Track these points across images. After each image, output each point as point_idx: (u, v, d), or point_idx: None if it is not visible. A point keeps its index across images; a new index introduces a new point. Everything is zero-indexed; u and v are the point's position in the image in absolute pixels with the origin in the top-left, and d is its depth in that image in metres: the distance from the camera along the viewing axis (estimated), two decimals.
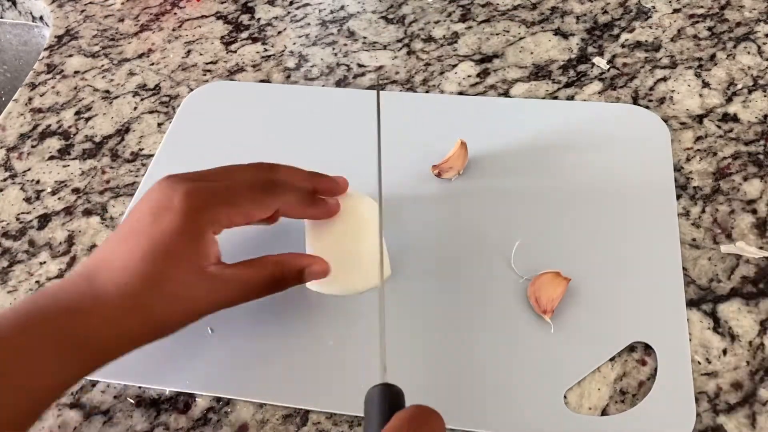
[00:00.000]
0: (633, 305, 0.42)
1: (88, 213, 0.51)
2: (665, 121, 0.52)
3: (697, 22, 0.61)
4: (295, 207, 0.40)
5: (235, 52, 0.62)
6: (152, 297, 0.35)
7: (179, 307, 0.36)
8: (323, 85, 0.58)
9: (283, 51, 0.62)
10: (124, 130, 0.56)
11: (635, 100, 0.54)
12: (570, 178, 0.49)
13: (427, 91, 0.57)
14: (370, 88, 0.57)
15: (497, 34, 0.61)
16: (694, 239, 0.46)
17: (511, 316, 0.42)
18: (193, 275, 0.36)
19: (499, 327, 0.42)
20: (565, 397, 0.39)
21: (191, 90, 0.59)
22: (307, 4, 0.66)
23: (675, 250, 0.45)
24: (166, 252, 0.35)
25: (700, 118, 0.53)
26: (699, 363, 0.40)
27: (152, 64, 0.62)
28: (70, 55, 0.64)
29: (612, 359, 0.40)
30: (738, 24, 0.60)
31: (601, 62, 0.58)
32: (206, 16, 0.66)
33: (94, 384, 0.42)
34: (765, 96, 0.54)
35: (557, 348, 0.41)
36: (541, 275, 0.43)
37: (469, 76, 0.58)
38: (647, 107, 0.54)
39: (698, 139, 0.51)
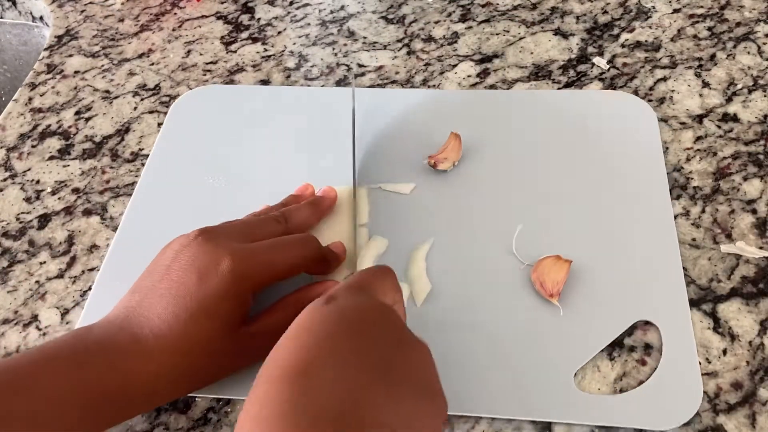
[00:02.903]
0: (635, 286, 0.43)
1: (88, 213, 0.51)
2: (665, 121, 0.52)
3: (697, 22, 0.61)
4: (312, 265, 0.43)
5: (235, 52, 0.62)
6: (195, 357, 0.37)
7: (217, 365, 0.39)
8: (323, 85, 0.58)
9: (283, 51, 0.62)
10: (124, 130, 0.56)
11: None
12: (564, 165, 0.50)
13: None
14: (371, 86, 0.57)
15: (497, 34, 0.61)
16: (694, 239, 0.46)
17: (517, 301, 0.43)
18: (227, 337, 0.38)
19: (507, 313, 0.42)
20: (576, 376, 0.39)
21: (191, 90, 0.59)
22: (307, 4, 0.66)
23: (671, 235, 0.45)
24: (209, 315, 0.37)
25: (700, 118, 0.53)
26: (699, 363, 0.40)
27: (152, 64, 0.62)
28: (70, 55, 0.64)
29: (612, 359, 0.40)
30: (738, 24, 0.60)
31: (601, 62, 0.58)
32: (206, 16, 0.66)
33: None
34: (765, 96, 0.54)
35: (566, 330, 0.41)
36: (543, 260, 0.43)
37: (469, 76, 0.58)
38: None
39: (698, 139, 0.51)
